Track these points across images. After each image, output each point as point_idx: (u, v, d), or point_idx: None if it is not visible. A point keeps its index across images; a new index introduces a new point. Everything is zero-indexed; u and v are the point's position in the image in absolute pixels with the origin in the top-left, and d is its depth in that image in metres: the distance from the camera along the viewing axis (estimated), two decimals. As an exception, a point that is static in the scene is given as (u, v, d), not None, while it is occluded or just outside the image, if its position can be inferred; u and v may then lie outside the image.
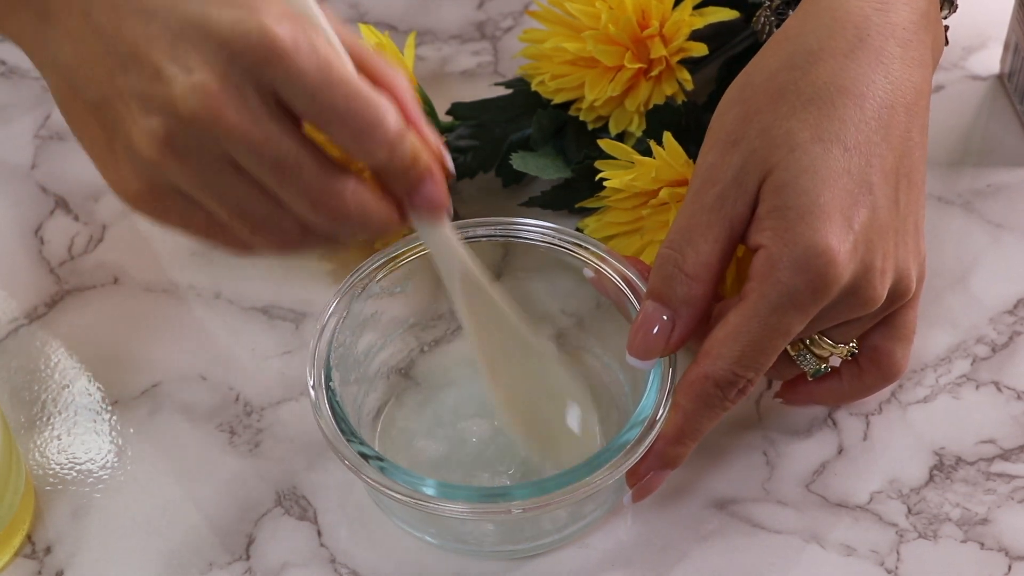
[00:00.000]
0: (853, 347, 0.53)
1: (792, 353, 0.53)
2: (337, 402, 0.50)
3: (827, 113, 0.48)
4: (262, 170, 0.43)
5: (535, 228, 0.55)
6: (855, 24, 0.50)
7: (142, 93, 0.42)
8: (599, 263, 0.54)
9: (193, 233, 0.45)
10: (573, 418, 0.54)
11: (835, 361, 0.54)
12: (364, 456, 0.49)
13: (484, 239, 0.55)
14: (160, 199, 0.44)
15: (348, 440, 0.49)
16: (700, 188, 0.49)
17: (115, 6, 0.43)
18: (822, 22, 0.50)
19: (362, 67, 0.44)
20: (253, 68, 0.41)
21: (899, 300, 0.50)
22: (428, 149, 0.45)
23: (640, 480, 0.51)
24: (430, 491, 0.48)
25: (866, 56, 0.49)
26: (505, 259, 0.58)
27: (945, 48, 0.56)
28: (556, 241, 0.55)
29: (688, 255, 0.49)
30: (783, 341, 0.48)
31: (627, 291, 0.53)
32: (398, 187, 0.45)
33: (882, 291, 0.49)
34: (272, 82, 0.41)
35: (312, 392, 0.50)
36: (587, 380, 0.56)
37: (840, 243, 0.47)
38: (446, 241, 0.48)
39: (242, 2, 0.42)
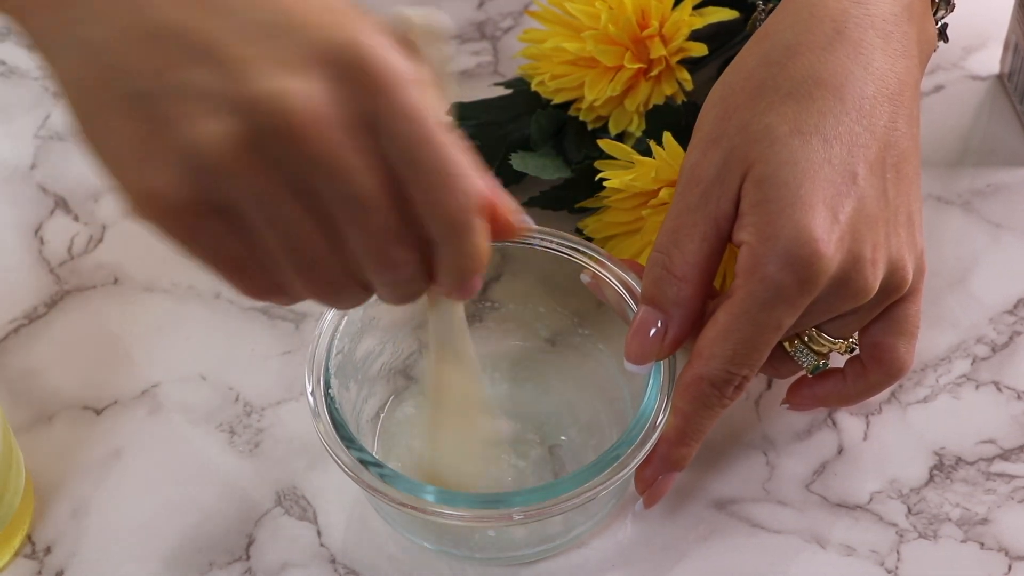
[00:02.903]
0: (852, 342, 0.52)
1: (789, 349, 0.52)
2: (336, 409, 0.50)
3: (806, 106, 0.48)
4: (338, 203, 0.38)
5: (532, 233, 0.55)
6: (832, 17, 0.50)
7: (216, 91, 0.36)
8: (596, 267, 0.54)
9: (219, 264, 0.39)
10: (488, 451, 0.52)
11: (837, 360, 0.54)
12: (364, 463, 0.49)
13: None
14: (198, 217, 0.38)
15: (347, 447, 0.49)
16: (684, 189, 0.49)
17: None
18: (799, 17, 0.50)
19: None
20: (362, 91, 0.37)
21: (895, 292, 0.50)
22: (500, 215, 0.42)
23: (649, 485, 0.51)
24: (430, 497, 0.47)
25: (844, 48, 0.49)
26: (502, 264, 0.57)
27: (945, 48, 0.55)
28: (553, 245, 0.54)
29: (675, 256, 0.49)
30: (775, 336, 0.48)
31: (626, 295, 0.53)
32: (449, 266, 0.41)
33: (874, 282, 0.48)
34: (375, 111, 0.37)
35: (311, 400, 0.50)
36: (587, 382, 0.56)
37: (825, 233, 0.46)
38: (458, 320, 0.47)
39: (340, 20, 0.37)
